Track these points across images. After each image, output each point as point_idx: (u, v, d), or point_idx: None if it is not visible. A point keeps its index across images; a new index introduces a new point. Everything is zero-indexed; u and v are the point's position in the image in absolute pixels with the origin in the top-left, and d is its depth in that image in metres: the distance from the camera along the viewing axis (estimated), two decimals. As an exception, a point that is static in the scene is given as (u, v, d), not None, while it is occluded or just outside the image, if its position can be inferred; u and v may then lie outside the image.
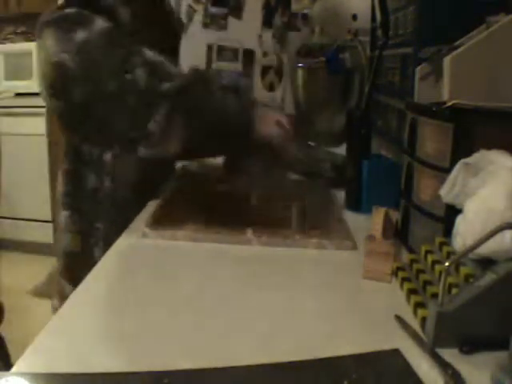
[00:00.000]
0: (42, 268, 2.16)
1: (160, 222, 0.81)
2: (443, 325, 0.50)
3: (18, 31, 3.54)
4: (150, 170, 0.87)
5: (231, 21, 2.35)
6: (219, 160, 0.96)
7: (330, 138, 1.43)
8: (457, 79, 0.71)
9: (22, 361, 0.48)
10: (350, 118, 1.01)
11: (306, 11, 2.15)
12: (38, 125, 3.07)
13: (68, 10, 0.70)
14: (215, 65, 2.40)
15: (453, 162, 0.62)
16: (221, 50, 2.40)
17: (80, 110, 0.70)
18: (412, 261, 0.65)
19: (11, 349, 1.48)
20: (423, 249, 0.65)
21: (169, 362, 0.48)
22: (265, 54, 2.36)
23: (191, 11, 2.26)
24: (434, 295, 0.54)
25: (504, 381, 0.41)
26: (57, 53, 0.68)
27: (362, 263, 0.68)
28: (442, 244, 0.63)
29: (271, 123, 0.85)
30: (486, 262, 0.53)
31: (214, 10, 2.35)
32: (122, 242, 0.78)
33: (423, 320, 0.53)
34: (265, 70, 2.40)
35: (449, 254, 0.60)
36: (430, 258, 0.62)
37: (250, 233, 0.77)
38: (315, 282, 0.66)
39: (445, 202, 0.62)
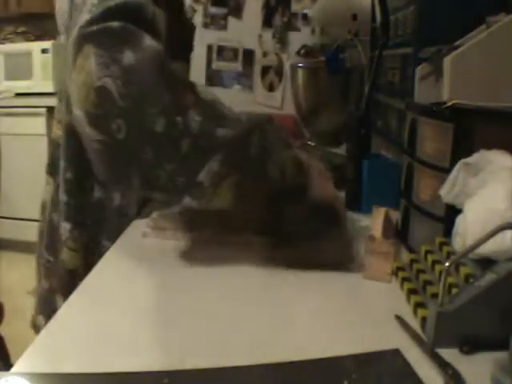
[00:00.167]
0: (42, 268, 2.15)
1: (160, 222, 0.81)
2: (443, 325, 0.50)
3: (18, 31, 3.54)
4: None
5: (231, 21, 2.36)
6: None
7: (330, 138, 1.43)
8: (457, 79, 0.71)
9: (22, 361, 0.48)
10: (350, 118, 1.01)
11: (305, 11, 2.16)
12: (38, 125, 3.07)
13: (112, 24, 0.59)
14: (215, 65, 2.40)
15: (453, 162, 0.62)
16: (221, 49, 2.40)
17: (123, 149, 0.59)
18: (412, 261, 0.65)
19: (11, 349, 1.48)
20: (423, 249, 0.65)
21: (169, 362, 0.48)
22: (265, 54, 2.36)
23: (191, 11, 2.26)
24: (434, 295, 0.54)
25: (504, 381, 0.41)
26: (100, 77, 0.57)
27: (361, 263, 0.68)
28: (442, 244, 0.63)
29: (327, 187, 0.74)
30: (486, 262, 0.53)
31: (213, 9, 2.36)
32: (122, 242, 0.79)
33: (423, 320, 0.53)
34: (265, 70, 2.40)
35: (449, 254, 0.60)
36: (430, 258, 0.62)
37: (250, 234, 0.76)
38: (315, 282, 0.66)
39: (445, 202, 0.62)
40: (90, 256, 0.75)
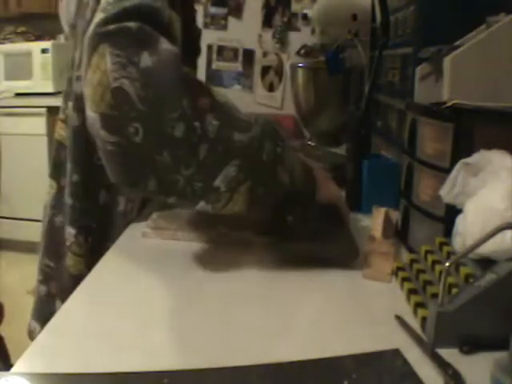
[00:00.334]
0: (42, 268, 2.15)
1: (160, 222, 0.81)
2: (443, 325, 0.50)
3: (18, 31, 3.54)
4: None
5: (231, 21, 2.36)
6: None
7: (330, 138, 1.43)
8: (457, 79, 0.71)
9: (22, 361, 0.48)
10: (350, 118, 1.01)
11: (305, 11, 2.16)
12: (38, 125, 3.07)
13: (128, 24, 0.58)
14: (215, 65, 2.40)
15: (453, 162, 0.62)
16: (221, 49, 2.41)
17: (139, 152, 0.58)
18: (412, 261, 0.65)
19: (11, 349, 1.48)
20: (423, 249, 0.65)
21: (169, 362, 0.48)
22: (265, 54, 2.36)
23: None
24: (434, 295, 0.54)
25: (504, 381, 0.41)
26: (117, 77, 0.56)
27: (361, 263, 0.68)
28: (442, 244, 0.63)
29: (330, 187, 0.75)
30: (486, 262, 0.53)
31: (213, 9, 2.36)
32: (122, 242, 0.79)
33: (423, 320, 0.53)
34: (265, 70, 2.40)
35: (449, 254, 0.60)
36: (430, 258, 0.62)
37: (250, 234, 0.77)
38: (315, 282, 0.66)
39: (445, 202, 0.62)
40: (94, 261, 0.73)
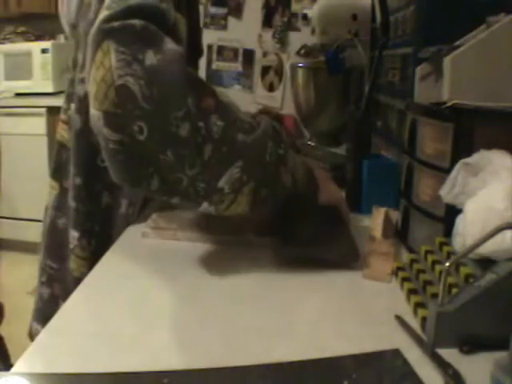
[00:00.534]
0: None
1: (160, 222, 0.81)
2: (443, 325, 0.50)
3: (18, 31, 3.54)
4: None
5: (231, 21, 2.36)
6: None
7: (330, 138, 1.43)
8: (457, 79, 0.71)
9: (22, 361, 0.48)
10: (350, 118, 1.01)
11: (305, 11, 2.15)
12: (38, 125, 3.07)
13: (133, 22, 0.57)
14: (215, 65, 2.40)
15: (453, 162, 0.62)
16: (221, 49, 2.40)
17: (142, 150, 0.57)
18: (412, 261, 0.65)
19: (11, 349, 1.48)
20: (423, 249, 0.65)
21: (169, 362, 0.48)
22: (265, 54, 2.36)
23: (191, 11, 2.26)
24: (434, 295, 0.54)
25: (504, 381, 0.41)
26: (121, 75, 0.55)
27: (362, 263, 0.68)
28: (442, 244, 0.63)
29: (331, 188, 0.75)
30: (486, 262, 0.53)
31: (213, 9, 2.36)
32: (122, 242, 0.79)
33: (423, 320, 0.53)
34: (265, 70, 2.40)
35: (449, 254, 0.60)
36: (430, 258, 0.62)
37: (250, 234, 0.77)
38: (315, 282, 0.66)
39: (445, 202, 0.62)
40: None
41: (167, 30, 0.59)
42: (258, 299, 0.61)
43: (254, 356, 0.49)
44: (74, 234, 0.84)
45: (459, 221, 0.59)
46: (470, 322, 0.49)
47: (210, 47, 2.36)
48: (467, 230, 0.57)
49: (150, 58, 0.56)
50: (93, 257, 0.81)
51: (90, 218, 0.84)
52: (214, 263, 0.71)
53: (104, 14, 0.58)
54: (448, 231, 0.62)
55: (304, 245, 0.69)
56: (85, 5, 0.81)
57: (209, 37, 2.34)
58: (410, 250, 0.73)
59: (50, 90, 3.15)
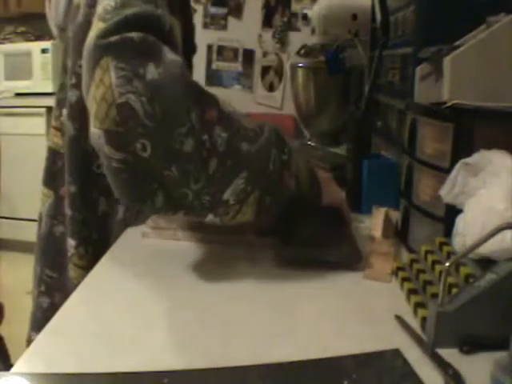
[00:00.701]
0: (42, 268, 2.15)
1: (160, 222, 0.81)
2: (443, 325, 0.50)
3: (18, 31, 3.53)
4: None
5: (231, 21, 2.36)
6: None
7: (330, 138, 1.43)
8: (457, 79, 0.71)
9: (22, 361, 0.48)
10: (350, 118, 1.01)
11: (305, 11, 2.15)
12: (38, 125, 3.07)
13: (130, 35, 0.55)
14: (215, 65, 2.40)
15: (453, 162, 0.62)
16: (221, 49, 2.40)
17: (146, 167, 0.56)
18: (412, 261, 0.65)
19: (11, 349, 1.48)
20: (423, 249, 0.65)
21: (169, 362, 0.48)
22: (265, 54, 2.36)
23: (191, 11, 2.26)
24: (434, 295, 0.54)
25: (504, 381, 0.41)
26: (122, 92, 0.53)
27: (362, 263, 0.68)
28: (442, 244, 0.63)
29: (334, 189, 0.75)
30: (486, 262, 0.53)
31: (213, 9, 2.36)
32: (122, 242, 0.78)
33: (423, 320, 0.53)
34: (265, 70, 2.40)
35: (449, 254, 0.60)
36: (430, 258, 0.62)
37: (250, 234, 0.77)
38: (315, 282, 0.66)
39: (445, 202, 0.62)
40: None
41: (164, 37, 0.58)
42: (258, 299, 0.61)
43: (254, 356, 0.49)
44: (71, 243, 0.83)
45: (459, 221, 0.59)
46: (470, 321, 0.49)
47: (210, 47, 2.36)
48: (467, 230, 0.57)
49: (151, 72, 0.54)
50: (91, 265, 0.80)
51: (86, 225, 0.82)
52: (214, 263, 0.71)
53: (99, 27, 0.56)
54: (448, 231, 0.62)
55: (305, 246, 0.69)
56: (73, 7, 0.79)
57: (209, 37, 2.34)
58: (410, 250, 0.73)
59: (50, 90, 3.14)
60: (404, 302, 0.59)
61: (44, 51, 3.20)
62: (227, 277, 0.67)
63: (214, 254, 0.74)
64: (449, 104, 0.65)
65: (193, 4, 2.29)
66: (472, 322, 0.49)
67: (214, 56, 2.39)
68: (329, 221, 0.71)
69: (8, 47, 3.38)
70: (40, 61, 3.20)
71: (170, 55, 0.56)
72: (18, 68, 3.27)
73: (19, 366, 0.47)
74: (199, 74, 2.32)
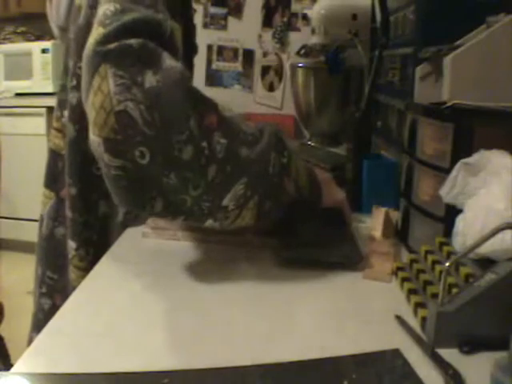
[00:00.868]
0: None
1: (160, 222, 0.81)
2: (443, 325, 0.50)
3: (18, 31, 3.53)
4: None
5: (231, 21, 2.36)
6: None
7: (330, 138, 1.43)
8: (457, 79, 0.71)
9: (22, 361, 0.48)
10: (350, 118, 1.01)
11: (305, 11, 2.15)
12: (38, 125, 3.07)
13: (129, 41, 0.54)
14: (215, 65, 2.40)
15: (453, 162, 0.62)
16: (221, 49, 2.40)
17: (145, 174, 0.56)
18: (412, 261, 0.65)
19: (11, 349, 1.48)
20: (423, 249, 0.65)
21: (169, 362, 0.48)
22: (265, 54, 2.36)
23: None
24: (434, 295, 0.54)
25: (504, 381, 0.41)
26: (121, 100, 0.53)
27: (363, 263, 0.68)
28: (442, 244, 0.63)
29: (334, 190, 0.75)
30: (486, 262, 0.53)
31: (213, 10, 2.36)
32: (122, 243, 0.78)
33: (423, 320, 0.53)
34: (265, 70, 2.40)
35: (449, 254, 0.60)
36: (430, 258, 0.62)
37: (250, 234, 0.76)
38: (315, 282, 0.66)
39: (445, 202, 0.62)
40: None
41: (164, 42, 0.58)
42: (258, 299, 0.61)
43: (254, 356, 0.49)
44: (71, 245, 0.83)
45: (459, 221, 0.59)
46: (470, 322, 0.49)
47: (210, 47, 2.36)
48: (467, 229, 0.57)
49: (150, 79, 0.54)
50: (91, 267, 0.80)
51: (87, 228, 0.82)
52: (214, 263, 0.71)
53: (98, 32, 0.56)
54: (448, 231, 0.62)
55: (305, 246, 0.69)
56: (75, 8, 0.79)
57: (209, 37, 2.34)
58: (410, 250, 0.73)
59: (50, 90, 3.15)
60: (404, 302, 0.59)
61: (44, 51, 3.20)
62: (227, 277, 0.67)
63: (214, 254, 0.74)
64: (449, 104, 0.65)
65: (193, 4, 2.29)
66: (472, 322, 0.49)
67: (214, 56, 2.39)
68: (329, 221, 0.71)
69: (8, 47, 3.38)
70: (40, 61, 3.20)
71: (169, 61, 0.56)
72: (18, 68, 3.27)
73: (19, 366, 0.47)
74: (199, 74, 2.32)
